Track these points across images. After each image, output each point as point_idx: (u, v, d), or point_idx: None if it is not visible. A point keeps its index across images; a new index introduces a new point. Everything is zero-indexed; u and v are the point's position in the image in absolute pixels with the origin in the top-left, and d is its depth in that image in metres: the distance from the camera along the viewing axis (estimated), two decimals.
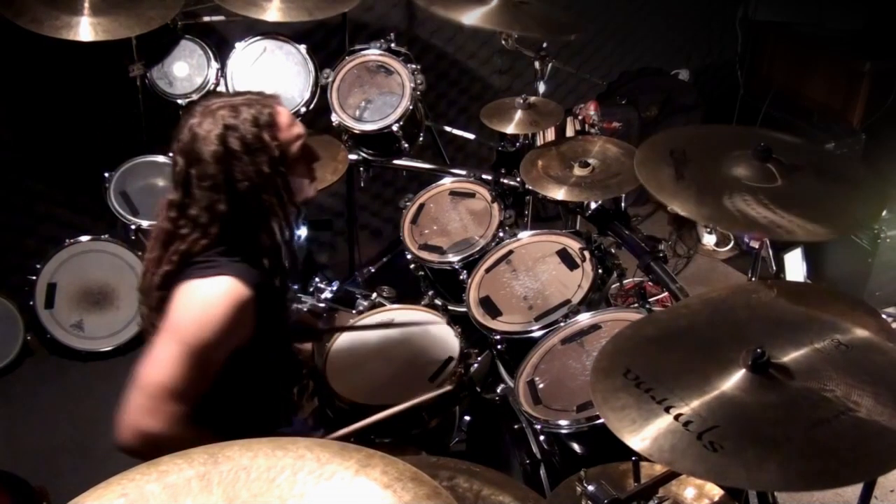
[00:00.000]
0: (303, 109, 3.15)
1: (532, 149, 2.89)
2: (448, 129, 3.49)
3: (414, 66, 3.02)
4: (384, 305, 2.71)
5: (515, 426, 2.29)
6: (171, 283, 1.78)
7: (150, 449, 1.68)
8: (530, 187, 2.72)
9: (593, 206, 2.76)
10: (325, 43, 3.59)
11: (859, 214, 1.94)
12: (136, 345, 3.20)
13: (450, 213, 2.89)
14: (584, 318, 2.36)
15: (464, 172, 3.02)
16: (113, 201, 3.12)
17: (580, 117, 2.99)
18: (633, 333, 1.64)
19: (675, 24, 4.54)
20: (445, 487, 0.93)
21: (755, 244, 2.23)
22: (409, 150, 3.11)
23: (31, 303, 3.29)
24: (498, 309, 2.51)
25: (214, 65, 3.14)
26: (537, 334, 2.38)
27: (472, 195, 2.91)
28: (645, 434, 1.34)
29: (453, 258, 2.71)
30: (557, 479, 1.99)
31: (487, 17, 2.79)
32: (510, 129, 2.86)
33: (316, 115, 3.20)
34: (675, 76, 4.52)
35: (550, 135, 3.00)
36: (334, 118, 3.04)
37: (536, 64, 3.02)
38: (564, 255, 2.58)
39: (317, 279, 3.17)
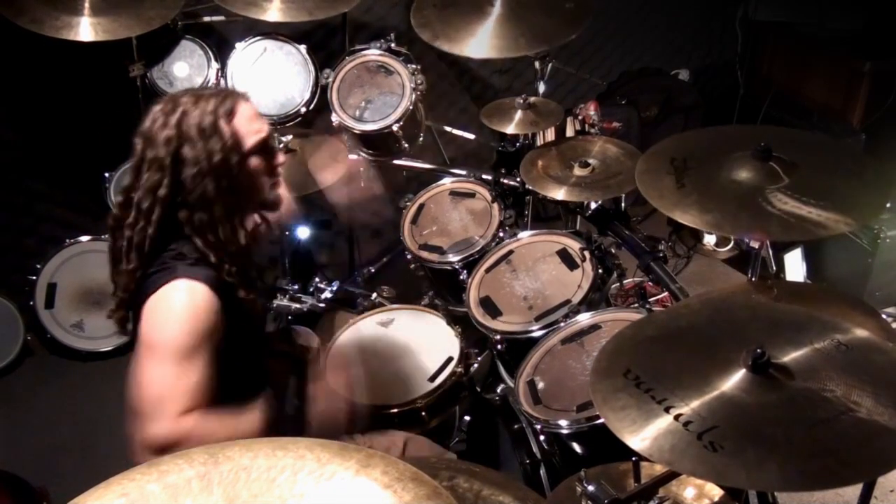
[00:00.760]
0: (303, 109, 3.15)
1: (532, 149, 2.89)
2: (448, 129, 3.49)
3: (414, 66, 3.02)
4: (384, 305, 2.71)
5: (515, 426, 2.29)
6: (135, 287, 1.76)
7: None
8: (530, 187, 2.72)
9: (593, 206, 2.75)
10: (325, 43, 3.59)
11: (870, 201, 1.91)
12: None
13: (450, 213, 2.89)
14: (584, 318, 2.36)
15: (464, 172, 3.02)
16: (113, 201, 3.12)
17: (580, 117, 2.99)
18: (633, 333, 1.63)
19: (675, 24, 4.54)
20: (445, 487, 0.93)
21: (755, 244, 2.22)
22: (409, 150, 3.11)
23: (31, 303, 3.29)
24: (498, 309, 2.51)
25: (214, 65, 3.14)
26: (537, 334, 2.38)
27: (472, 195, 2.91)
28: (645, 434, 1.34)
29: (453, 258, 2.71)
30: (557, 479, 2.00)
31: (491, 45, 2.82)
32: (510, 129, 2.86)
33: (316, 115, 3.20)
34: (675, 76, 4.52)
35: (550, 135, 3.00)
36: (334, 118, 3.04)
37: (536, 64, 3.02)
38: (564, 255, 2.58)
39: (317, 279, 3.18)
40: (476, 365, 2.51)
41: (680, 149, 2.08)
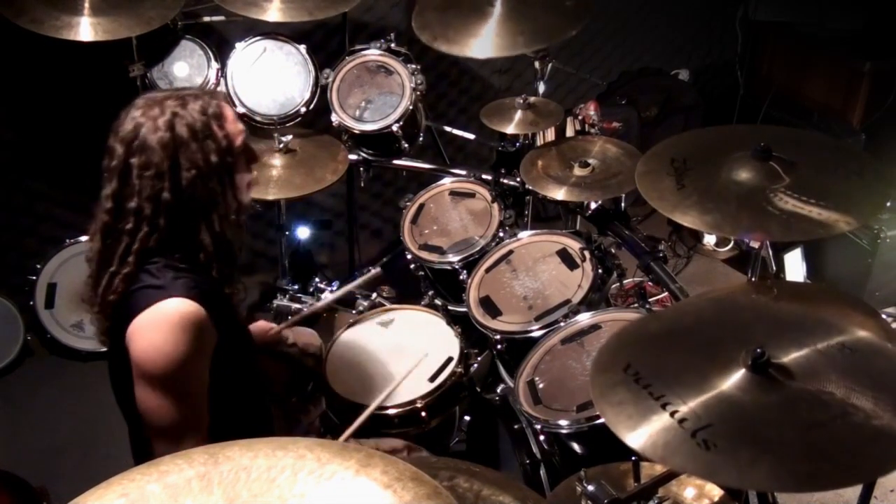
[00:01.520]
0: (303, 109, 3.15)
1: (532, 149, 2.89)
2: (448, 129, 3.49)
3: (414, 66, 3.02)
4: (384, 305, 2.71)
5: (515, 426, 2.29)
6: (126, 295, 1.74)
7: None
8: (530, 187, 2.72)
9: (593, 206, 2.75)
10: (325, 43, 3.59)
11: (869, 200, 1.91)
12: None
13: (450, 213, 2.89)
14: (584, 318, 2.36)
15: (464, 172, 3.02)
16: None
17: (580, 117, 2.99)
18: (636, 329, 1.64)
19: (675, 24, 4.54)
20: (445, 487, 0.93)
21: (755, 244, 2.22)
22: (409, 150, 3.11)
23: (31, 303, 3.29)
24: (498, 309, 2.51)
25: (214, 65, 3.14)
26: (537, 334, 2.37)
27: (472, 195, 2.91)
28: (640, 430, 1.34)
29: (453, 258, 2.71)
30: (557, 479, 2.00)
31: (490, 45, 2.81)
32: (510, 129, 2.86)
33: (316, 115, 3.20)
34: (675, 76, 4.52)
35: (550, 135, 3.00)
36: (334, 118, 3.04)
37: (536, 64, 3.02)
38: (564, 255, 2.58)
39: (317, 279, 3.18)
40: (476, 365, 2.51)
41: (680, 149, 2.08)
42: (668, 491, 1.74)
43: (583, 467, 1.60)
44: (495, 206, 2.82)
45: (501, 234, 2.71)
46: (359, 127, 3.02)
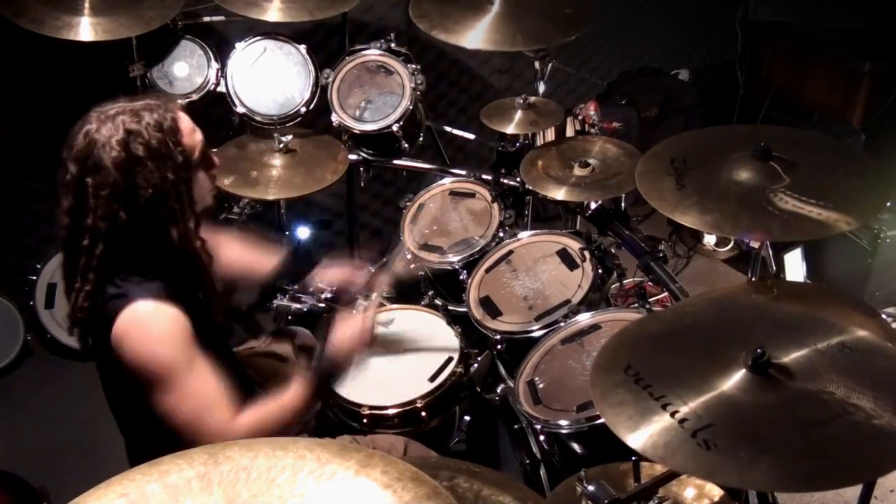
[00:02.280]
0: (303, 109, 3.14)
1: (532, 149, 2.89)
2: (448, 129, 3.49)
3: (414, 66, 3.02)
4: (384, 305, 2.71)
5: (515, 426, 2.30)
6: (94, 309, 1.74)
7: None
8: (530, 187, 2.72)
9: (593, 206, 2.75)
10: (325, 43, 3.59)
11: (869, 200, 1.91)
12: None
13: (450, 213, 2.89)
14: (584, 318, 2.36)
15: (464, 172, 3.02)
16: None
17: (580, 117, 2.99)
18: (636, 330, 1.64)
19: (675, 24, 4.54)
20: (445, 487, 0.93)
21: (755, 244, 2.23)
22: (409, 150, 3.11)
23: (32, 303, 3.28)
24: (498, 309, 2.51)
25: (214, 65, 3.14)
26: (537, 334, 2.38)
27: (472, 195, 2.91)
28: (640, 430, 1.34)
29: (453, 258, 2.71)
30: (557, 479, 2.00)
31: (489, 35, 2.83)
32: (510, 129, 2.86)
33: (316, 115, 3.20)
34: (675, 76, 4.51)
35: (550, 135, 3.00)
36: (334, 118, 3.04)
37: (536, 64, 3.02)
38: (564, 255, 2.58)
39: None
40: (476, 365, 2.51)
41: (680, 149, 2.08)
42: (668, 491, 1.74)
43: (583, 467, 1.60)
44: (495, 206, 2.82)
45: (501, 235, 2.71)
46: (359, 127, 3.02)
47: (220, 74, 3.14)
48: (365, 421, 2.33)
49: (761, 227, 1.82)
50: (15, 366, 3.35)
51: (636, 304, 2.67)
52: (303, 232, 3.49)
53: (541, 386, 2.23)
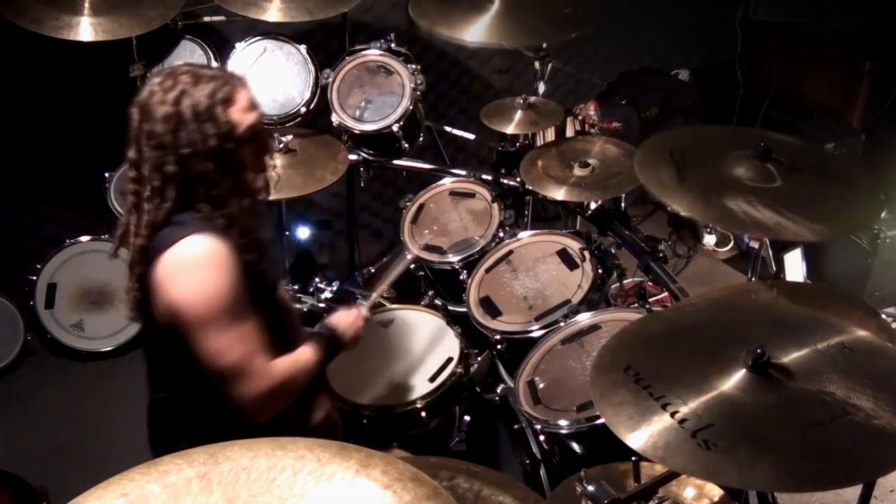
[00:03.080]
0: (303, 109, 3.14)
1: (532, 149, 2.89)
2: (448, 129, 3.49)
3: (414, 66, 3.02)
4: (384, 305, 2.71)
5: (515, 426, 2.30)
6: (147, 258, 1.78)
7: (279, 402, 1.81)
8: (530, 187, 2.72)
9: (593, 206, 2.75)
10: (325, 43, 3.59)
11: (860, 213, 1.94)
12: (137, 345, 3.20)
13: (450, 213, 2.89)
14: (584, 318, 2.36)
15: (464, 172, 3.02)
16: (113, 201, 3.12)
17: (580, 117, 2.99)
18: (637, 330, 1.64)
19: (675, 24, 4.54)
20: (445, 487, 0.93)
21: (755, 244, 2.23)
22: (409, 150, 3.11)
23: (32, 303, 3.28)
24: (498, 309, 2.51)
25: (215, 65, 3.14)
26: (537, 334, 2.38)
27: (472, 195, 2.91)
28: (640, 430, 1.34)
29: (453, 258, 2.71)
30: (557, 479, 2.00)
31: (489, 32, 2.84)
32: (510, 129, 2.86)
33: (316, 115, 3.20)
34: (675, 76, 4.51)
35: (550, 135, 3.00)
36: (334, 118, 3.04)
37: (536, 64, 3.02)
38: (564, 255, 2.58)
39: (317, 279, 3.17)
40: (476, 365, 2.51)
41: (679, 141, 2.09)
42: (668, 491, 1.74)
43: (583, 467, 1.61)
44: (495, 206, 2.82)
45: (501, 235, 2.72)
46: (359, 127, 3.02)
47: None
48: (365, 421, 2.33)
49: (758, 225, 1.84)
50: (15, 366, 3.34)
51: (636, 304, 2.67)
52: (303, 232, 3.50)
53: (541, 386, 2.23)
